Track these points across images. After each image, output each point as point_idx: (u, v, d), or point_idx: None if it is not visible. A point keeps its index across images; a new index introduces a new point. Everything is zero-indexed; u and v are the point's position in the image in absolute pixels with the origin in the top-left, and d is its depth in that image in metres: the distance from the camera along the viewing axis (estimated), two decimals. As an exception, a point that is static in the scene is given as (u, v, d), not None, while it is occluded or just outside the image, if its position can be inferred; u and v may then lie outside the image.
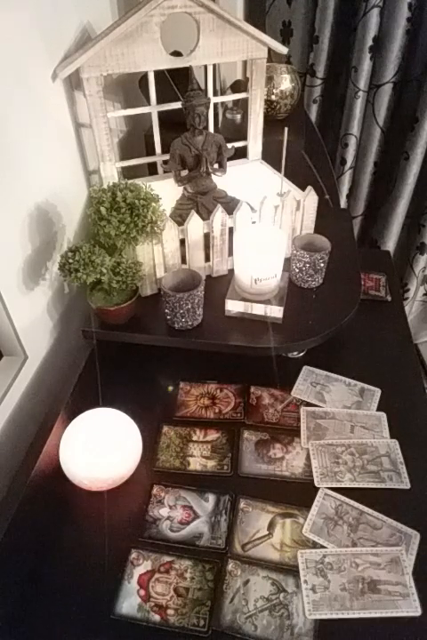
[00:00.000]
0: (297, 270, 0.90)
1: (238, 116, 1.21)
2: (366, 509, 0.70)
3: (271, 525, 0.68)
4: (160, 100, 0.95)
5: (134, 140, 1.20)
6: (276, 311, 0.84)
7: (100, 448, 0.69)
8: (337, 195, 1.34)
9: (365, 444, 0.79)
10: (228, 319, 0.86)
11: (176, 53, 0.92)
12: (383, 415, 0.84)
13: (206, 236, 0.88)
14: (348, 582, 0.62)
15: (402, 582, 0.62)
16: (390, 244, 1.57)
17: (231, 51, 0.91)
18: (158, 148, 1.01)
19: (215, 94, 1.07)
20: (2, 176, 0.72)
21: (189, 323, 0.84)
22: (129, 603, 0.61)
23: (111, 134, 0.91)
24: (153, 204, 0.79)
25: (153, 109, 0.95)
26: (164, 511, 0.71)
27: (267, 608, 0.60)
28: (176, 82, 1.03)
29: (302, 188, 0.94)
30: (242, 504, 0.71)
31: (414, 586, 0.62)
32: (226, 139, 0.91)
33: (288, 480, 0.74)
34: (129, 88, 1.12)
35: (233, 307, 0.86)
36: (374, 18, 1.22)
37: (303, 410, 0.85)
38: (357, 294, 0.91)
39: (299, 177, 1.01)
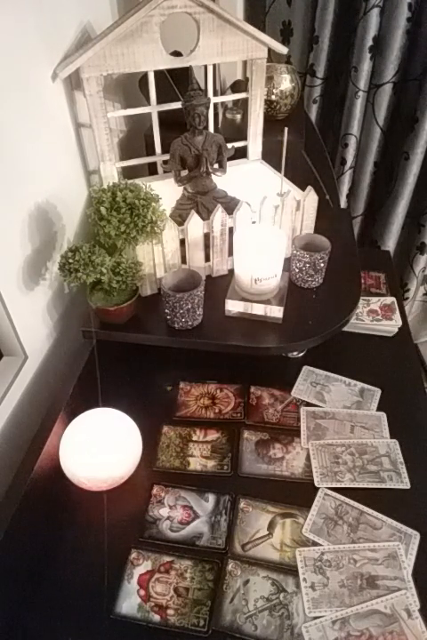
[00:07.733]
0: (297, 270, 0.90)
1: (238, 116, 1.22)
2: (366, 509, 0.70)
3: (271, 525, 0.69)
4: (160, 100, 0.95)
5: (134, 140, 1.20)
6: (276, 311, 0.84)
7: (100, 448, 0.69)
8: (337, 195, 1.34)
9: (365, 444, 0.79)
10: (228, 319, 0.86)
11: (176, 53, 0.92)
12: (383, 415, 0.84)
13: (206, 236, 0.88)
14: (346, 579, 0.62)
15: (400, 577, 0.62)
16: (390, 244, 1.57)
17: (231, 51, 0.91)
18: (158, 148, 1.01)
19: (215, 94, 1.07)
20: (2, 176, 0.72)
21: (189, 323, 0.84)
22: (129, 603, 0.61)
23: (111, 134, 0.91)
24: (153, 204, 0.79)
25: (153, 109, 0.95)
26: (164, 511, 0.71)
27: (267, 608, 0.60)
28: (176, 82, 1.03)
29: (302, 188, 0.94)
30: (242, 504, 0.71)
31: (411, 580, 0.62)
32: (226, 139, 0.91)
33: (288, 480, 0.74)
34: (129, 88, 1.12)
35: (233, 307, 0.86)
36: (374, 18, 1.22)
37: (303, 410, 0.85)
38: (357, 294, 0.91)
39: (299, 177, 1.01)
